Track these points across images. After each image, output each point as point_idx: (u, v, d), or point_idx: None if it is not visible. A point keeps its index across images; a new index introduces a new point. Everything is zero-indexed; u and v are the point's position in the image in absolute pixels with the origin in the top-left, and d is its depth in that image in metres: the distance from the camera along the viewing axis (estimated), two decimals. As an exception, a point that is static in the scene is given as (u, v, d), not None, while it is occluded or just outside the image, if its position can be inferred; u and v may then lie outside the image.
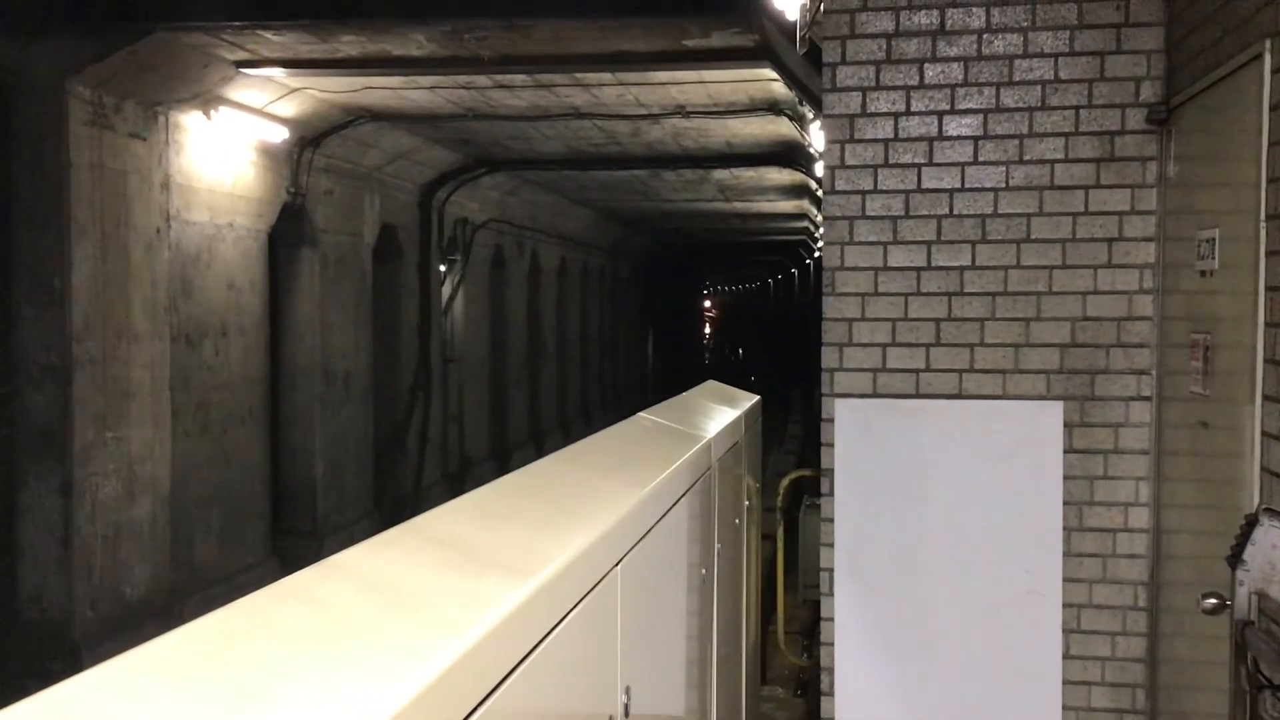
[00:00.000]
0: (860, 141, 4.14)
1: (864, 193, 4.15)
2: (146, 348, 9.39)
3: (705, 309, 60.37)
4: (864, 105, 4.13)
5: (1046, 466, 4.05)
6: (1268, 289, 3.00)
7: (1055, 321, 4.05)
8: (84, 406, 8.60)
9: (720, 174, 16.88)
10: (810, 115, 9.82)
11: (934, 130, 4.10)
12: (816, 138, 10.02)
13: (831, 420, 4.17)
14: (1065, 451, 4.05)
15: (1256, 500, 3.02)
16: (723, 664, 3.95)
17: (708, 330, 59.81)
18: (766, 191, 19.09)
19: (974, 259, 4.08)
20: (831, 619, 4.18)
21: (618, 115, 12.12)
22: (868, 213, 4.14)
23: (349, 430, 13.15)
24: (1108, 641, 4.06)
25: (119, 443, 9.01)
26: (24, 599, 8.55)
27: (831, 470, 4.17)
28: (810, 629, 7.74)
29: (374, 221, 13.73)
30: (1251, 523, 2.74)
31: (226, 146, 10.52)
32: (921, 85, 4.10)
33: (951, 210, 4.10)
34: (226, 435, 10.65)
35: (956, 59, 4.07)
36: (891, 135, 4.12)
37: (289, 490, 12.31)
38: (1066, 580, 4.06)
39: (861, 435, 4.15)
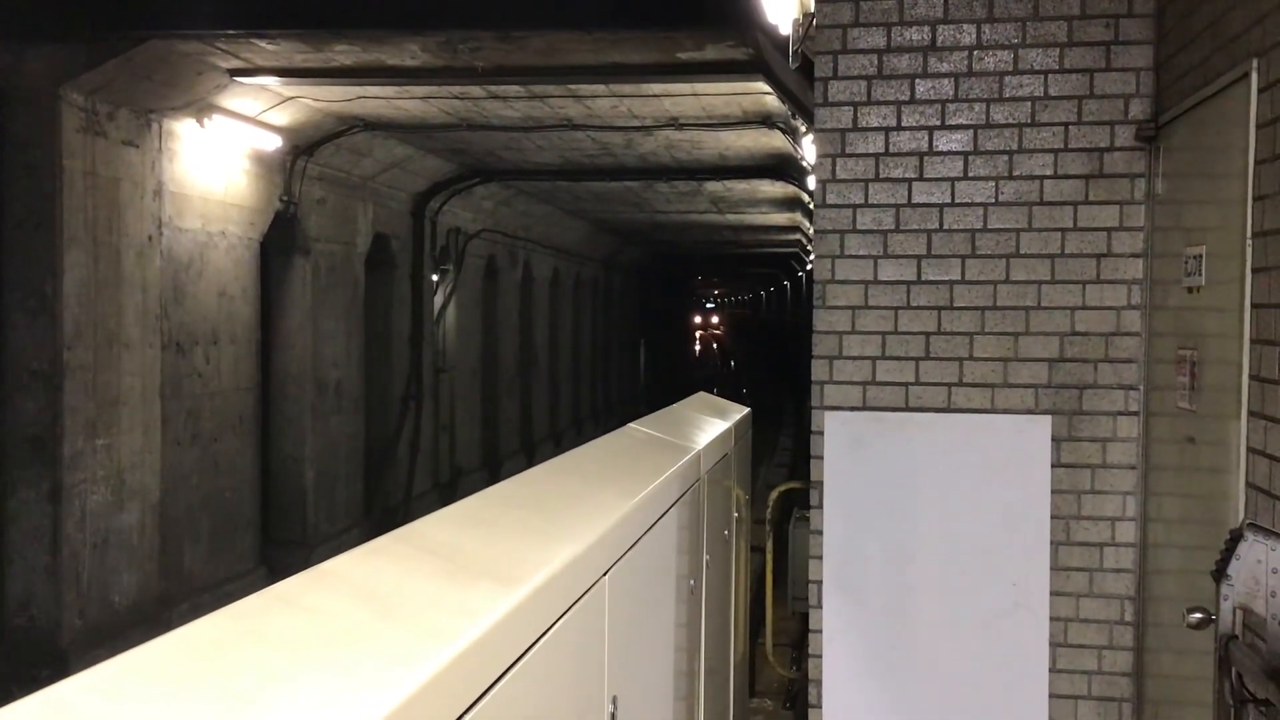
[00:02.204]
0: (851, 156, 4.16)
1: (855, 206, 4.16)
2: (137, 355, 9.38)
3: (697, 320, 60.39)
4: (855, 120, 4.15)
5: (1034, 480, 4.07)
6: (1253, 306, 3.02)
7: (1044, 336, 4.07)
8: (74, 413, 8.58)
9: (713, 186, 16.93)
10: (803, 128, 9.86)
11: (924, 145, 4.12)
12: (809, 151, 10.06)
13: (821, 433, 4.18)
14: (1053, 465, 4.07)
15: (1241, 515, 3.04)
16: (710, 675, 3.96)
17: (700, 341, 59.81)
18: (759, 204, 19.14)
19: (964, 273, 4.11)
20: (819, 631, 4.19)
21: (611, 127, 12.16)
22: (858, 226, 4.16)
23: (340, 439, 13.14)
24: (1094, 655, 4.08)
25: (108, 450, 9.00)
26: (12, 606, 8.52)
27: (820, 483, 4.18)
28: (799, 641, 7.75)
29: (367, 230, 13.74)
30: (1236, 538, 2.76)
31: (219, 154, 10.53)
32: (912, 100, 4.12)
33: (941, 225, 4.12)
34: (217, 443, 10.64)
35: (947, 75, 4.10)
36: (882, 150, 4.15)
37: (279, 499, 12.29)
38: (1054, 594, 4.07)
39: (851, 448, 4.16)
